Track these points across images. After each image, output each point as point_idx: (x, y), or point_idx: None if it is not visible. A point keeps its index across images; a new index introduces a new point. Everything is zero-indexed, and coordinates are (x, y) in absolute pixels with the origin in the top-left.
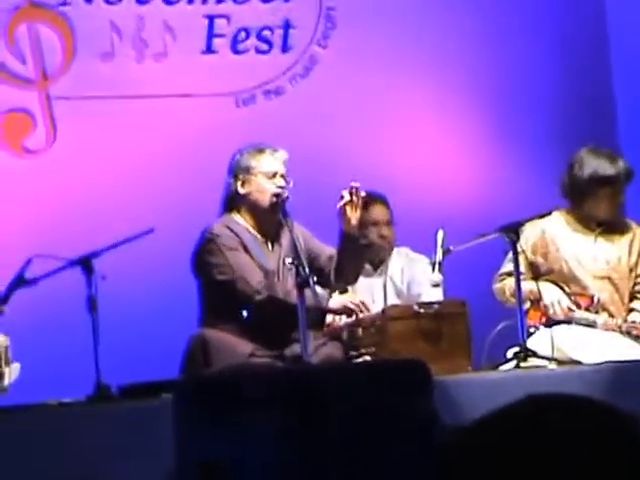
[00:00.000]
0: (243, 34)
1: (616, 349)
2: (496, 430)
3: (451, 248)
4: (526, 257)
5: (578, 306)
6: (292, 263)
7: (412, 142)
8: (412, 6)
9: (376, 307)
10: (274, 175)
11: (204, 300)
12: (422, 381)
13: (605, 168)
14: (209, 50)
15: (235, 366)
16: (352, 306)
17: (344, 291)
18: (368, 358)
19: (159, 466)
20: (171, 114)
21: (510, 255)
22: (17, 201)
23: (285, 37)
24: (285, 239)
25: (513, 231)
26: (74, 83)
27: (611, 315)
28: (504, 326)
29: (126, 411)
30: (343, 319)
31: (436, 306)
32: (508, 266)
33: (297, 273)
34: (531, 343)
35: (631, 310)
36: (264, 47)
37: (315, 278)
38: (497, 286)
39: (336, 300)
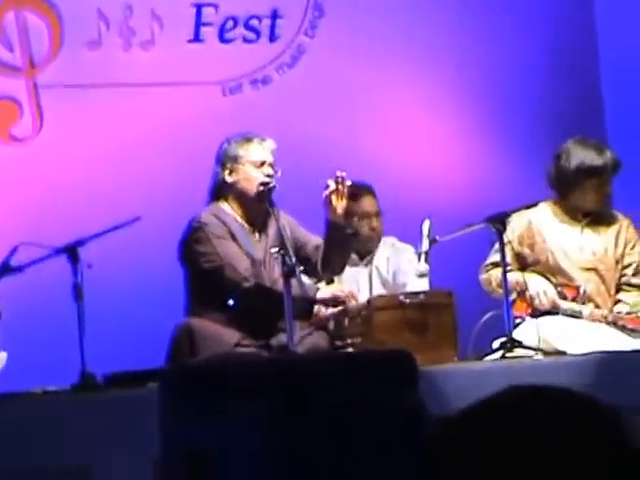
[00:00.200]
0: (231, 23)
1: (602, 340)
2: (479, 421)
3: (437, 238)
4: (512, 248)
5: (564, 297)
6: (278, 252)
7: (400, 132)
8: None
9: (362, 297)
10: (262, 164)
11: (191, 289)
12: (408, 371)
13: (592, 159)
14: (196, 39)
15: (221, 355)
16: (342, 296)
17: (330, 281)
18: (354, 348)
19: (145, 455)
20: (158, 102)
21: (496, 246)
22: (3, 189)
23: (273, 26)
24: (272, 228)
25: (499, 222)
26: (61, 71)
27: (597, 306)
28: (490, 316)
29: (111, 400)
30: (329, 309)
31: (422, 296)
32: (494, 257)
33: (283, 262)
34: (517, 334)
35: (617, 301)
36: (252, 36)
37: (302, 267)
38: (483, 277)
39: (325, 290)
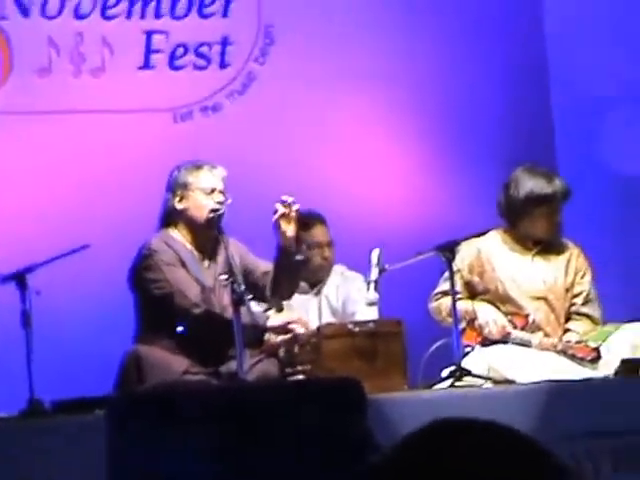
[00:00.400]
0: (181, 50)
1: (551, 369)
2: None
3: (386, 267)
4: (462, 276)
5: (514, 326)
6: (227, 280)
7: (350, 160)
8: (354, 24)
9: (311, 325)
10: (212, 191)
11: (140, 316)
12: (356, 399)
13: (541, 187)
14: (147, 66)
15: (168, 382)
16: (292, 323)
17: (280, 309)
18: (304, 376)
19: None
20: (108, 129)
21: (446, 274)
22: None
23: (223, 53)
24: (221, 256)
25: (449, 250)
26: (11, 98)
27: (547, 335)
28: (440, 345)
29: (59, 426)
30: (280, 337)
31: (372, 325)
32: (444, 285)
33: (232, 290)
34: (466, 362)
35: (567, 330)
36: (202, 63)
37: (250, 295)
38: (433, 305)
39: (276, 318)
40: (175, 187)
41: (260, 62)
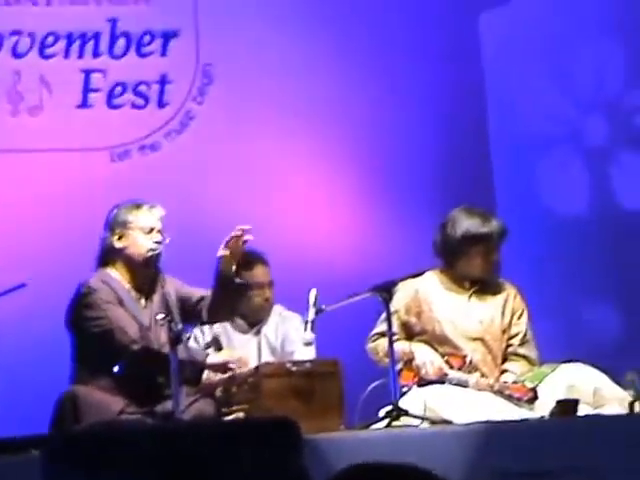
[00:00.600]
0: (119, 89)
1: (488, 409)
2: None
3: (324, 307)
4: (399, 317)
5: (451, 366)
6: (164, 319)
7: (288, 200)
8: (292, 64)
9: (250, 364)
10: (151, 231)
11: (78, 355)
12: (293, 439)
13: (477, 226)
14: (85, 104)
15: (104, 423)
16: (232, 362)
17: (219, 348)
18: (241, 415)
19: None
20: (46, 168)
21: (383, 315)
22: None
23: (161, 92)
24: (158, 294)
25: (386, 290)
26: None
27: (483, 375)
28: (377, 385)
29: None
30: (218, 375)
31: (309, 364)
32: (381, 326)
33: (169, 329)
34: (403, 402)
35: (504, 371)
36: (140, 102)
37: (188, 319)
38: (370, 346)
39: (215, 356)
40: (114, 226)
41: (198, 101)
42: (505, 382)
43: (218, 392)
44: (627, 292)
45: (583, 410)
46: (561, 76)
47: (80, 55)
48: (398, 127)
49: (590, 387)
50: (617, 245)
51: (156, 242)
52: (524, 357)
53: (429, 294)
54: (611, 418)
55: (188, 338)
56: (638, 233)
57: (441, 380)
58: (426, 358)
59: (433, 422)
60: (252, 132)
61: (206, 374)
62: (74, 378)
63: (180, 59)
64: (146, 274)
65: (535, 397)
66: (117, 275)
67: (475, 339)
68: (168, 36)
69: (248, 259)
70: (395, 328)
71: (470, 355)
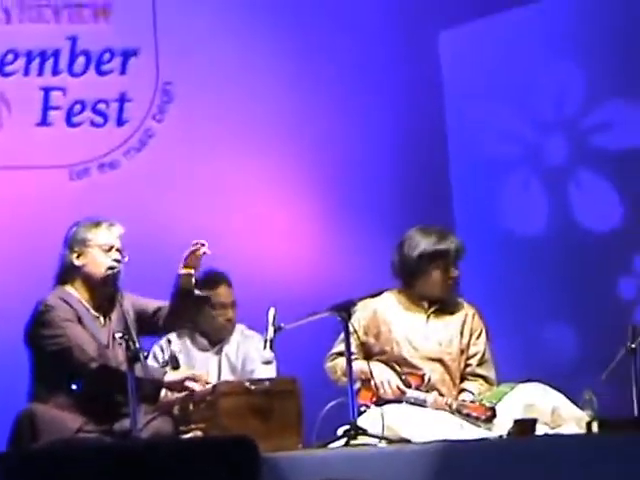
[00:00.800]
0: (79, 107)
1: (445, 428)
2: None
3: (282, 325)
4: (358, 337)
5: (409, 385)
6: (122, 337)
7: (246, 218)
8: (251, 81)
9: (210, 382)
10: (110, 249)
11: (36, 373)
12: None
13: (434, 244)
14: (44, 122)
15: (61, 441)
16: (190, 381)
17: (176, 367)
18: (199, 434)
19: None
20: (4, 186)
21: (342, 335)
22: None
23: (120, 110)
24: (116, 313)
25: (345, 310)
26: None
27: (442, 395)
28: (335, 404)
29: None
30: (175, 394)
31: (267, 383)
32: (340, 346)
33: (127, 347)
34: (362, 421)
35: (462, 390)
36: (99, 120)
37: (145, 329)
38: (329, 365)
39: (173, 374)
40: (73, 243)
41: (158, 119)
42: (463, 401)
43: (175, 410)
44: (583, 312)
45: (541, 430)
46: (520, 96)
47: (40, 73)
48: (356, 146)
49: (548, 407)
50: (574, 265)
51: (115, 260)
52: (482, 377)
53: (388, 314)
54: (569, 438)
55: (146, 357)
56: (595, 253)
57: (399, 399)
58: (384, 377)
59: (391, 441)
60: (211, 150)
61: (164, 392)
62: (32, 396)
63: (140, 77)
64: (105, 292)
65: (493, 416)
66: (76, 293)
67: (433, 359)
68: (128, 54)
69: (212, 278)
70: (353, 348)
71: (428, 373)
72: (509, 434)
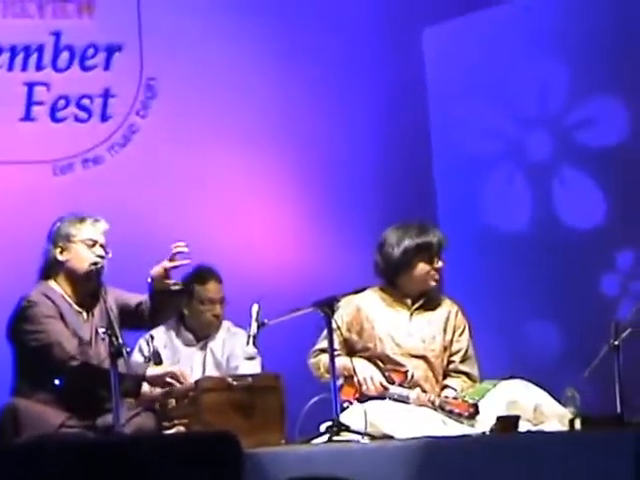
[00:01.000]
0: (62, 102)
1: (428, 424)
2: None
3: (266, 321)
4: (341, 334)
5: (392, 382)
6: (105, 333)
7: (230, 213)
8: (235, 78)
9: (195, 378)
10: (94, 244)
11: (18, 368)
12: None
13: (416, 238)
14: (28, 117)
15: (44, 436)
16: (173, 374)
17: (159, 362)
18: (182, 429)
19: None
20: None
21: (325, 332)
22: None
23: (104, 106)
24: (99, 308)
25: (328, 306)
26: None
27: (425, 391)
28: (318, 400)
29: None
30: (157, 389)
31: (250, 379)
32: (323, 342)
33: (110, 343)
34: (344, 418)
35: (445, 387)
36: (83, 115)
37: (130, 324)
38: (312, 361)
39: (154, 369)
40: (57, 238)
41: (142, 115)
42: (446, 397)
43: (157, 406)
44: (566, 308)
45: (523, 426)
46: (504, 93)
47: (24, 68)
48: (340, 143)
49: (531, 404)
50: (557, 261)
51: (99, 256)
52: (465, 374)
53: (371, 311)
54: (551, 435)
55: (129, 352)
56: (579, 249)
57: (382, 396)
58: (367, 374)
59: (374, 437)
60: (195, 146)
61: (145, 387)
62: (15, 390)
63: (124, 73)
64: (88, 287)
65: (476, 413)
66: (59, 288)
67: (417, 356)
68: (112, 50)
69: (202, 274)
70: (337, 344)
71: (411, 370)
72: (492, 431)
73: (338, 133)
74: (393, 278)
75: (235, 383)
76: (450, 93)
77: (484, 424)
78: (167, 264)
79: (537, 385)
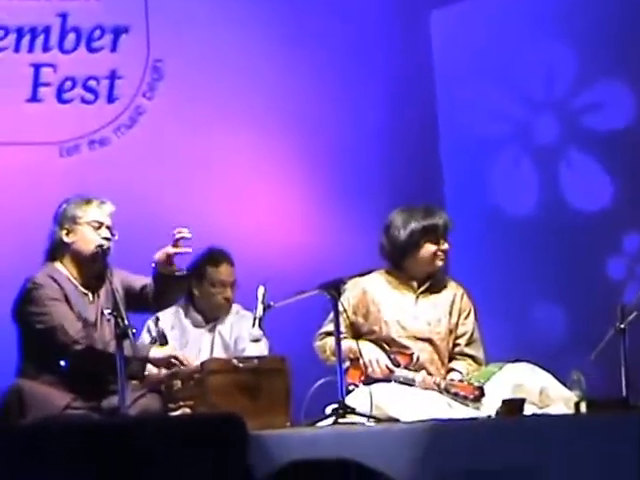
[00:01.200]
0: (69, 83)
1: (433, 407)
2: None
3: (272, 304)
4: (347, 317)
5: (397, 364)
6: (111, 314)
7: (237, 195)
8: (242, 61)
9: (199, 360)
10: (100, 226)
11: (23, 350)
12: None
13: (423, 220)
14: (34, 98)
15: (49, 417)
16: (175, 358)
17: (164, 343)
18: (187, 411)
19: None
20: None
21: (331, 315)
22: None
23: (111, 87)
24: (105, 290)
25: (334, 288)
26: None
27: (430, 374)
28: (324, 382)
29: None
30: (164, 370)
31: (255, 361)
32: (329, 325)
33: (116, 324)
34: (350, 400)
35: (450, 370)
36: (90, 97)
37: (135, 306)
38: (318, 344)
39: (158, 350)
40: (63, 220)
41: (148, 97)
42: (452, 380)
43: (162, 387)
44: (572, 292)
45: (529, 410)
46: (511, 75)
47: (30, 49)
48: (347, 126)
49: (536, 387)
50: (563, 244)
51: (104, 238)
52: (471, 357)
53: (377, 295)
54: (557, 418)
55: (134, 333)
56: (585, 233)
57: (387, 378)
58: (372, 356)
59: (379, 420)
60: (201, 128)
61: (152, 369)
62: (20, 372)
63: (130, 55)
64: (94, 269)
65: (481, 395)
66: (64, 270)
67: (422, 339)
68: (118, 31)
69: (214, 256)
70: (343, 327)
71: (417, 353)
72: (497, 414)
73: (345, 116)
74: (399, 260)
75: (241, 365)
76: (457, 75)
77: (490, 407)
78: (170, 250)
79: (543, 368)
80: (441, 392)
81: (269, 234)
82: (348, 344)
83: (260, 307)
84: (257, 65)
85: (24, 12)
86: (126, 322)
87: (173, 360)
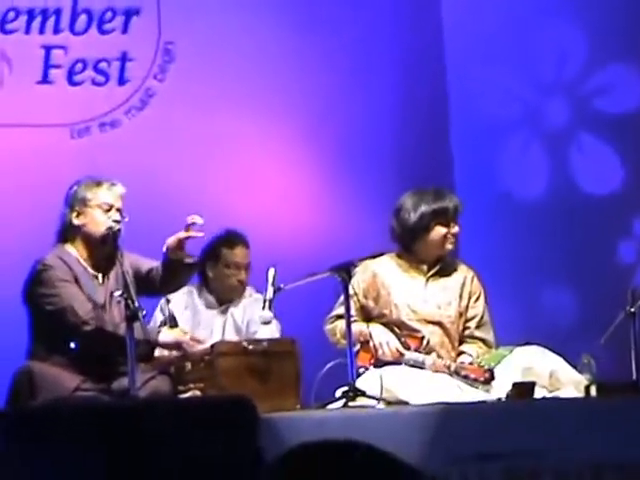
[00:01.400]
0: (80, 65)
1: (444, 390)
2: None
3: (282, 286)
4: (358, 300)
5: (407, 347)
6: (121, 296)
7: (248, 179)
8: (252, 43)
9: (209, 342)
10: (110, 208)
11: (34, 331)
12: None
13: (432, 203)
14: (45, 80)
15: (59, 399)
16: (184, 341)
17: (174, 325)
18: (197, 393)
19: None
20: (5, 144)
21: (341, 298)
22: None
23: (122, 69)
24: (115, 272)
25: (345, 271)
26: None
27: (440, 357)
28: (334, 365)
29: None
30: (173, 352)
31: (266, 344)
32: (339, 309)
33: (126, 306)
34: (360, 383)
35: (460, 353)
36: (100, 79)
37: (142, 288)
38: (328, 327)
39: (167, 333)
40: (73, 202)
41: (159, 79)
42: (462, 363)
43: (171, 369)
44: (583, 275)
45: (539, 393)
46: (522, 58)
47: (41, 31)
48: (358, 109)
49: (547, 370)
50: (574, 228)
51: (115, 220)
52: (481, 340)
53: (387, 278)
54: (567, 401)
55: (144, 315)
56: (595, 216)
57: (398, 361)
58: (383, 339)
59: (389, 403)
60: (212, 110)
61: (159, 351)
62: (31, 353)
63: (141, 37)
64: (104, 251)
65: (491, 378)
66: (75, 252)
67: (433, 322)
68: (130, 13)
69: (230, 238)
70: (353, 310)
71: (427, 336)
72: (507, 397)
73: (355, 99)
74: (409, 243)
75: (251, 347)
76: (468, 59)
77: (500, 390)
78: (182, 235)
79: (553, 352)
80: (451, 375)
81: (279, 216)
82: (358, 327)
83: (270, 289)
84: (267, 46)
85: None
86: (136, 304)
87: (183, 341)
